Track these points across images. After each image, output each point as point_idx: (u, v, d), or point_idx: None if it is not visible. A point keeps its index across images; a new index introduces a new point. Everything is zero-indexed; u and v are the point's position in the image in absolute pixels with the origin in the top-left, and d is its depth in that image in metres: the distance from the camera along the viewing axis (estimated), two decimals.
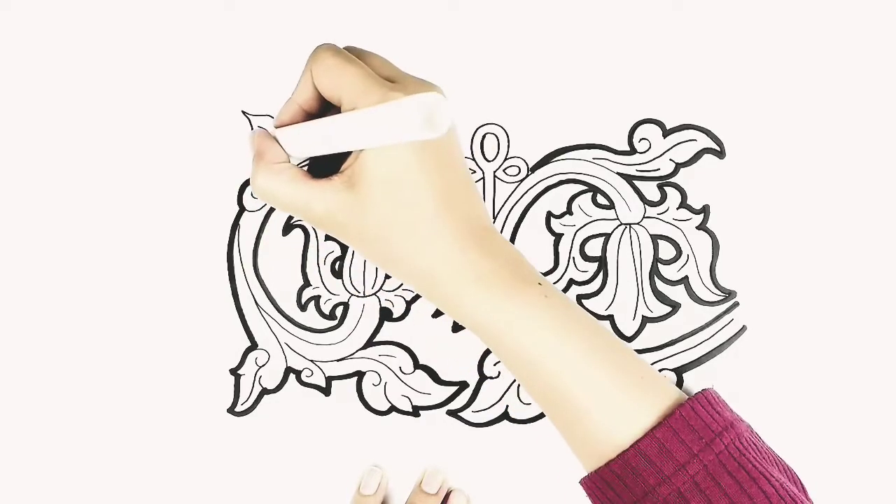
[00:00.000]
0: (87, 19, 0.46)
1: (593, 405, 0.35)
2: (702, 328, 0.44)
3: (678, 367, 0.43)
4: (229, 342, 0.45)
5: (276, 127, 0.39)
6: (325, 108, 0.38)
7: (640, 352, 0.44)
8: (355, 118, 0.34)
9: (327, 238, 0.45)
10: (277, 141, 0.39)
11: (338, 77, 0.35)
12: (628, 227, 0.44)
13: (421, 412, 0.44)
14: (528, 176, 0.45)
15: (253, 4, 0.46)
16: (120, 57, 0.46)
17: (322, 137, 0.36)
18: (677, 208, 0.44)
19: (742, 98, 0.45)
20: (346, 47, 0.37)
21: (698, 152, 0.45)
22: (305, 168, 0.39)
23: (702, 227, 0.44)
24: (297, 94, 0.38)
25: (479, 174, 0.45)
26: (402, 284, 0.45)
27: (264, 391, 0.44)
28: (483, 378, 0.44)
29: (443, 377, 0.44)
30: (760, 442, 0.36)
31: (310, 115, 0.38)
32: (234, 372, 0.45)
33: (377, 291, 0.45)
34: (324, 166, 0.38)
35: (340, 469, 0.44)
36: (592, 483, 0.36)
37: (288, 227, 0.45)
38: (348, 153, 0.36)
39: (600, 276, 0.44)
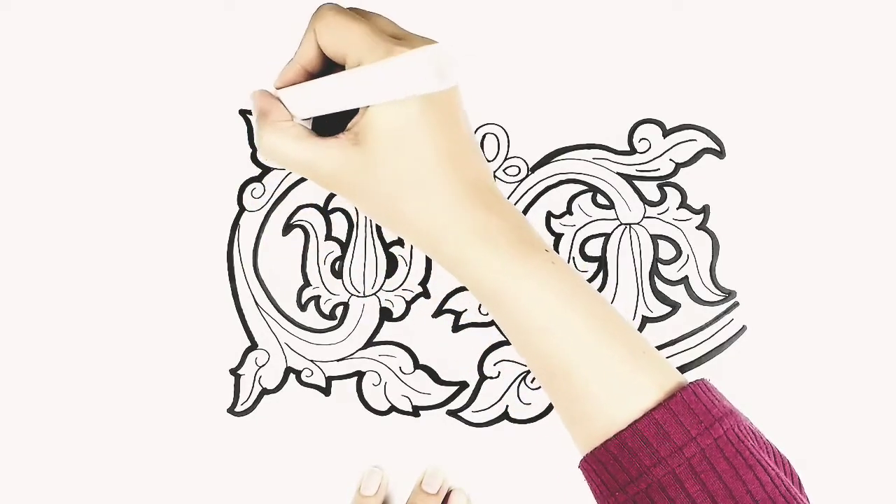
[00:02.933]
0: (86, 19, 0.46)
1: (593, 376, 0.34)
2: (702, 328, 0.44)
3: (678, 367, 0.43)
4: (229, 342, 0.45)
5: (278, 88, 0.38)
6: (327, 68, 0.38)
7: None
8: (363, 73, 0.34)
9: (328, 238, 0.45)
10: (281, 101, 0.38)
11: (342, 34, 0.35)
12: (628, 227, 0.44)
13: (421, 412, 0.44)
14: (528, 176, 0.45)
15: (253, 4, 0.46)
16: (120, 57, 0.46)
17: (329, 95, 0.35)
18: (677, 208, 0.44)
19: (742, 98, 0.45)
20: (350, 8, 0.37)
21: (698, 152, 0.45)
22: (311, 127, 0.39)
23: (702, 227, 0.44)
24: (299, 55, 0.37)
25: None
26: (402, 285, 0.45)
27: (264, 391, 0.45)
28: (483, 378, 0.44)
29: (443, 377, 0.44)
30: (759, 434, 0.36)
31: (312, 76, 0.38)
32: (234, 372, 0.45)
33: (377, 291, 0.45)
34: (328, 126, 0.38)
35: (340, 469, 0.44)
36: (589, 465, 0.35)
37: (288, 227, 0.45)
38: (353, 112, 0.36)
39: (600, 276, 0.44)
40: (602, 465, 0.34)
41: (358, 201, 0.37)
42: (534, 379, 0.44)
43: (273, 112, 0.37)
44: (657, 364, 0.35)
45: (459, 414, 0.44)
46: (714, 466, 0.32)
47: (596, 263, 0.44)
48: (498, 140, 0.45)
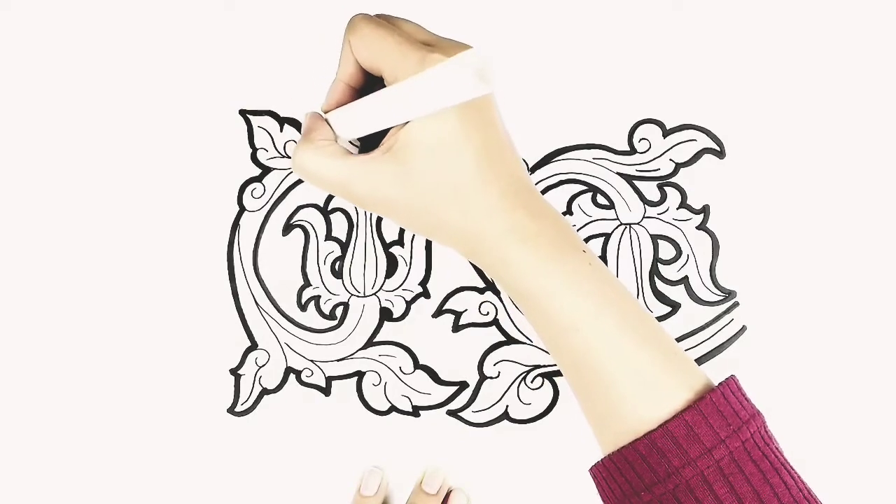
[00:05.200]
0: (86, 20, 0.46)
1: (624, 376, 0.34)
2: (702, 328, 0.44)
3: None
4: (229, 342, 0.45)
5: (325, 111, 0.38)
6: (369, 81, 0.37)
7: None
8: (402, 89, 0.33)
9: (328, 238, 0.45)
10: (329, 124, 0.38)
11: (375, 46, 0.34)
12: (628, 227, 0.44)
13: (421, 412, 0.44)
14: None
15: (253, 4, 0.46)
16: (120, 57, 0.46)
17: (371, 115, 0.35)
18: (677, 208, 0.44)
19: (742, 98, 0.45)
20: (377, 15, 0.37)
21: (698, 152, 0.45)
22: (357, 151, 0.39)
23: (702, 227, 0.44)
24: (340, 71, 0.37)
25: None
26: (402, 285, 0.45)
27: (264, 391, 0.45)
28: (483, 378, 0.44)
29: (443, 377, 0.44)
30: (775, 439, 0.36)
31: (356, 91, 0.38)
32: (234, 372, 0.45)
33: (377, 291, 0.45)
34: (368, 146, 0.37)
35: (340, 469, 0.44)
36: (612, 463, 0.35)
37: (288, 227, 0.45)
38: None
39: None
40: (629, 464, 0.34)
41: (397, 217, 0.37)
42: (534, 379, 0.44)
43: (315, 131, 0.37)
44: (686, 365, 0.35)
45: (459, 414, 0.44)
46: (742, 469, 0.32)
47: None
48: None
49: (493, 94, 0.36)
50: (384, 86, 0.35)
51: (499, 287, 0.37)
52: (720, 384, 0.35)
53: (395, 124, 0.35)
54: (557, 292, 0.35)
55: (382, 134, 0.36)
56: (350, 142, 0.39)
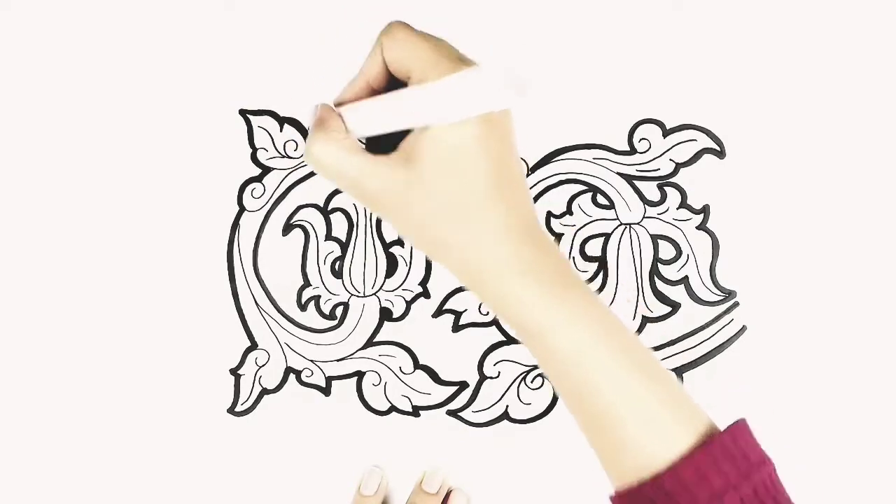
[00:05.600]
0: (86, 20, 0.46)
1: (631, 417, 0.34)
2: (702, 328, 0.44)
3: (678, 367, 0.43)
4: (229, 342, 0.45)
5: (337, 104, 0.38)
6: (391, 86, 0.37)
7: None
8: (431, 90, 0.33)
9: (328, 238, 0.45)
10: (341, 116, 0.37)
11: (409, 49, 0.34)
12: (628, 227, 0.44)
13: (421, 412, 0.44)
14: (528, 176, 0.45)
15: (253, 4, 0.46)
16: (120, 57, 0.46)
17: (393, 112, 0.34)
18: (677, 208, 0.44)
19: (742, 98, 0.45)
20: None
21: (698, 152, 0.45)
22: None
23: (702, 227, 0.44)
24: (365, 69, 0.37)
25: None
26: (402, 285, 0.45)
27: (264, 391, 0.45)
28: (483, 378, 0.44)
29: (443, 377, 0.44)
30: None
31: (375, 92, 0.37)
32: (234, 372, 0.45)
33: (377, 291, 0.45)
34: (382, 147, 0.37)
35: (340, 469, 0.44)
36: (621, 501, 0.35)
37: (288, 227, 0.45)
38: (405, 133, 0.35)
39: (600, 276, 0.44)
40: None
41: (399, 224, 0.36)
42: (534, 379, 0.44)
43: (329, 123, 0.36)
44: (691, 407, 0.35)
45: (459, 414, 0.44)
46: None
47: (596, 263, 0.44)
48: None
49: (513, 122, 0.36)
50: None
51: (499, 319, 0.37)
52: (730, 427, 0.34)
53: (415, 126, 0.34)
54: (560, 327, 0.34)
55: (391, 136, 0.36)
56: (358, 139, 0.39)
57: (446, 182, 0.34)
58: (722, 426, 0.34)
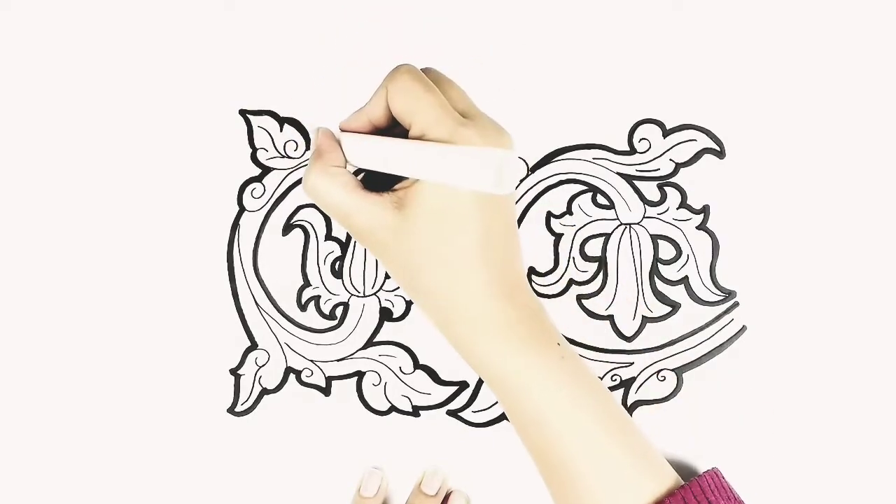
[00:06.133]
0: (86, 20, 0.46)
1: (592, 472, 0.34)
2: (702, 328, 0.44)
3: (678, 367, 0.43)
4: (229, 342, 0.45)
5: (342, 130, 0.39)
6: (393, 125, 0.38)
7: (640, 352, 0.44)
8: (423, 149, 0.34)
9: (328, 238, 0.45)
10: (340, 144, 0.38)
11: (412, 101, 0.34)
12: (628, 227, 0.44)
13: (421, 412, 0.44)
14: (528, 176, 0.45)
15: (253, 4, 0.46)
16: (120, 57, 0.46)
17: (384, 156, 0.36)
18: (677, 208, 0.44)
19: (742, 98, 0.45)
20: (425, 69, 0.37)
21: (698, 152, 0.45)
22: (360, 178, 0.39)
23: (702, 227, 0.44)
24: (368, 108, 0.37)
25: None
26: None
27: (264, 391, 0.44)
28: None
29: (443, 377, 0.44)
30: None
31: (377, 129, 0.38)
32: (234, 372, 0.45)
33: (377, 291, 0.45)
34: (377, 179, 0.38)
35: (340, 469, 0.44)
36: None
37: (288, 227, 0.45)
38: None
39: (600, 276, 0.44)
40: None
41: (385, 262, 0.37)
42: None
43: (328, 154, 0.37)
44: (656, 465, 0.35)
45: (459, 414, 0.44)
46: None
47: (596, 263, 0.44)
48: None
49: (514, 193, 0.37)
50: (407, 133, 0.36)
51: (475, 371, 0.37)
52: (691, 481, 0.34)
53: (402, 175, 0.35)
54: (527, 384, 0.35)
55: (388, 174, 0.37)
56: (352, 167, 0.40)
57: (434, 235, 0.34)
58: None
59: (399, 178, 0.37)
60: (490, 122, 0.35)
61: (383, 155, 0.36)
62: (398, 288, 0.45)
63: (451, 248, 0.35)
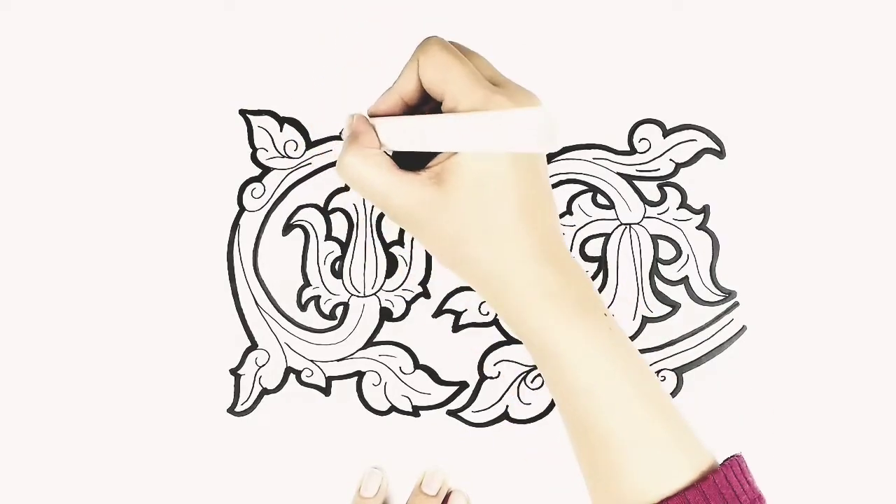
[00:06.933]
0: (86, 20, 0.46)
1: (632, 447, 0.34)
2: (702, 328, 0.44)
3: (678, 367, 0.43)
4: (229, 342, 0.45)
5: (371, 115, 0.38)
6: (423, 101, 0.37)
7: (640, 352, 0.44)
8: (463, 120, 0.33)
9: (328, 238, 0.45)
10: (374, 129, 0.38)
11: (444, 71, 0.34)
12: (628, 227, 0.44)
13: (421, 412, 0.44)
14: None
15: (253, 4, 0.46)
16: (120, 57, 0.46)
17: (422, 134, 0.35)
18: (677, 208, 0.44)
19: (742, 98, 0.45)
20: (451, 42, 0.37)
21: (698, 152, 0.45)
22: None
23: (702, 227, 0.44)
24: (399, 84, 0.37)
25: None
26: (402, 285, 0.45)
27: (264, 391, 0.44)
28: (483, 378, 0.44)
29: (443, 377, 0.44)
30: None
31: (408, 107, 0.37)
32: (234, 372, 0.45)
33: (377, 291, 0.45)
34: (411, 158, 0.37)
35: (340, 469, 0.44)
36: None
37: (288, 227, 0.45)
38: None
39: (600, 276, 0.44)
40: None
41: (425, 240, 0.37)
42: (534, 379, 0.44)
43: (364, 136, 0.37)
44: (694, 443, 0.35)
45: (459, 414, 0.44)
46: None
47: (596, 263, 0.44)
48: None
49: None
50: (439, 108, 0.35)
51: (516, 336, 0.37)
52: (724, 463, 0.34)
53: (442, 150, 0.35)
54: (576, 352, 0.34)
55: (422, 152, 0.36)
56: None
57: (474, 206, 0.34)
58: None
59: (430, 157, 0.36)
60: (518, 87, 0.35)
61: (421, 132, 0.35)
62: (398, 288, 0.45)
63: (493, 217, 0.34)
